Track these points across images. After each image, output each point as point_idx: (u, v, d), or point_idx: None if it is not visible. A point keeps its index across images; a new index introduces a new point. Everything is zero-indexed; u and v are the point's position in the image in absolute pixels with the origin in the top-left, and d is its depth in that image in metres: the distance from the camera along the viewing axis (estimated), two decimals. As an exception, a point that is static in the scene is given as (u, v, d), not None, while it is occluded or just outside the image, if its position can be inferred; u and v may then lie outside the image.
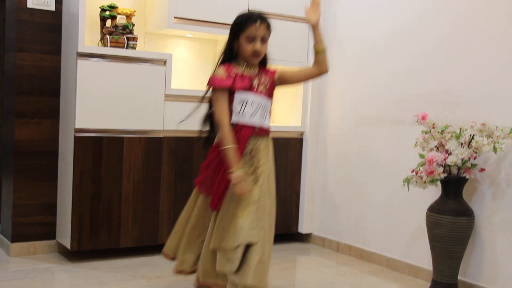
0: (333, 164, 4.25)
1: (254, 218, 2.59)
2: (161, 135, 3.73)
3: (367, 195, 3.96)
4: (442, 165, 3.12)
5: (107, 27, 3.71)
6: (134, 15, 3.83)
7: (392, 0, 3.82)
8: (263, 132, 2.68)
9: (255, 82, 2.66)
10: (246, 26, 2.59)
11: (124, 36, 3.68)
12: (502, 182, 3.13)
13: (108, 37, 3.65)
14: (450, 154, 3.13)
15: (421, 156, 3.22)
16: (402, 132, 3.71)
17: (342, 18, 4.20)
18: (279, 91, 4.56)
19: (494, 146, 3.00)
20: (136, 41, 3.73)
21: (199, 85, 4.28)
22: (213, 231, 2.67)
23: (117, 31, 3.69)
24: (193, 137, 3.81)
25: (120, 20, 3.74)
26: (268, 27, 2.65)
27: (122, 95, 3.59)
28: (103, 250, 3.67)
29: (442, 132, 3.21)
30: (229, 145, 2.56)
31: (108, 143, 3.57)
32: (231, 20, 3.88)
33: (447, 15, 3.46)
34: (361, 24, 4.05)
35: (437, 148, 3.21)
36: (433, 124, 3.25)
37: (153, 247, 3.79)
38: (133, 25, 3.77)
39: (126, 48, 3.67)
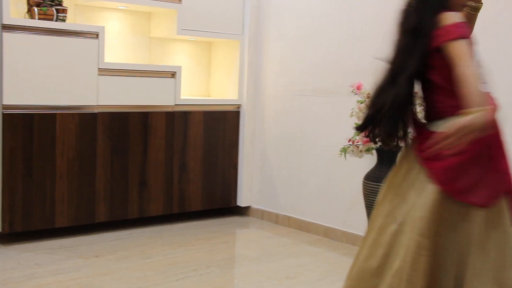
0: (271, 136, 4.27)
1: None
2: (95, 110, 3.63)
3: (305, 167, 4.00)
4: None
5: (34, -2, 3.55)
6: (63, -14, 3.68)
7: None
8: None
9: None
10: None
11: (53, 8, 3.53)
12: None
13: (35, 8, 3.50)
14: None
15: (357, 125, 3.25)
16: (338, 102, 3.75)
17: (277, -10, 4.19)
18: (216, 63, 4.54)
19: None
20: (66, 13, 3.59)
21: (134, 59, 4.19)
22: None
23: (45, 2, 3.54)
24: (128, 112, 3.74)
25: (48, -9, 3.59)
26: None
27: (53, 70, 3.46)
28: (37, 231, 3.55)
29: None
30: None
31: (39, 119, 3.44)
32: (165, -8, 3.88)
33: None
34: (297, 5, 4.06)
35: (372, 118, 3.25)
36: (368, 93, 3.28)
37: (90, 226, 3.72)
38: (62, -4, 3.63)
39: (56, 20, 3.53)
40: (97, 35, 3.60)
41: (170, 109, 3.95)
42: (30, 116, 3.41)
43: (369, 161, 3.40)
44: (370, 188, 3.21)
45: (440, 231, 1.83)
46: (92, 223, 3.68)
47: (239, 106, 4.31)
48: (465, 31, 1.81)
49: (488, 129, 1.71)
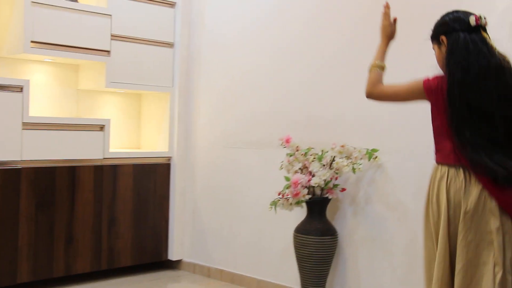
0: (202, 189, 4.23)
1: None
2: (19, 166, 3.51)
3: (237, 219, 3.97)
4: (306, 187, 3.21)
5: (-45, 51, 3.44)
6: (-14, 39, 3.60)
7: (259, 27, 3.90)
8: None
9: None
10: None
11: (-25, 61, 3.44)
12: (361, 200, 3.28)
13: (-44, 61, 3.39)
14: (313, 175, 3.23)
15: (287, 178, 3.30)
16: (268, 155, 3.75)
17: (207, 42, 4.23)
18: (146, 115, 4.51)
19: (353, 167, 3.15)
20: None
21: (61, 112, 4.11)
22: None
23: (-33, 55, 3.44)
24: (54, 166, 3.64)
25: (-30, 43, 3.50)
26: (431, 39, 2.30)
27: (-26, 124, 3.34)
28: (-47, 293, 3.36)
29: (305, 154, 3.31)
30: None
31: (-42, 176, 3.29)
32: (92, 45, 3.84)
33: (313, 44, 3.60)
34: (226, 46, 4.09)
35: (301, 170, 3.30)
36: (297, 146, 3.34)
37: None
38: (-15, 49, 3.54)
39: (-23, 73, 3.43)
40: (22, 88, 3.51)
41: (98, 163, 3.87)
42: None
43: (300, 212, 3.42)
44: (300, 240, 3.23)
45: None
46: (14, 284, 3.50)
47: (169, 158, 4.27)
48: None
49: None
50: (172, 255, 4.25)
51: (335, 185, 3.26)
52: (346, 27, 3.41)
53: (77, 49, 3.80)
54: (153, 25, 4.18)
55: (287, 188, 3.24)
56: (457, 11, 2.23)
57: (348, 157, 3.21)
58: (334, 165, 3.20)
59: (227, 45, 4.10)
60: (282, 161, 3.37)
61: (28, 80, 3.57)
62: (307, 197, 3.19)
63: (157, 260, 4.21)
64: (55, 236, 3.66)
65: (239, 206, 3.96)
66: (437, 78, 2.19)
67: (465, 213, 2.06)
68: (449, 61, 2.14)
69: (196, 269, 4.22)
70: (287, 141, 3.37)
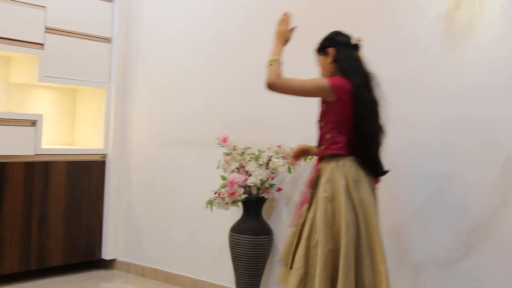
0: (138, 187, 4.17)
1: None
2: None
3: (173, 218, 3.93)
4: (243, 186, 3.21)
5: None
6: None
7: (199, 25, 3.87)
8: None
9: None
10: None
11: None
12: (297, 200, 3.28)
13: None
14: (250, 175, 3.23)
15: (223, 178, 3.29)
16: (205, 154, 3.74)
17: (146, 39, 4.17)
18: (81, 111, 4.40)
19: (288, 167, 3.17)
20: None
21: (-9, 106, 3.96)
22: None
23: None
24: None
25: None
26: (317, 52, 2.58)
27: None
28: None
29: (242, 153, 3.31)
30: None
31: None
32: (24, 37, 3.72)
33: (250, 45, 3.60)
34: (164, 42, 4.05)
35: (238, 170, 3.29)
36: (234, 146, 3.33)
37: None
38: None
39: None
40: None
41: (29, 159, 3.74)
42: None
43: (236, 212, 3.43)
44: (235, 240, 3.22)
45: None
46: None
47: (104, 155, 4.17)
48: None
49: None
50: (106, 254, 4.16)
51: (271, 185, 3.27)
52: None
53: (8, 41, 3.67)
54: (90, 19, 4.08)
55: (223, 187, 3.23)
56: (341, 31, 2.55)
57: (284, 157, 3.23)
58: (271, 165, 3.21)
59: (166, 42, 4.05)
60: (219, 160, 3.36)
61: (-45, 72, 3.42)
62: (243, 196, 3.19)
63: (90, 259, 4.11)
64: None
65: (175, 205, 3.93)
66: (339, 78, 2.42)
67: (361, 198, 2.36)
68: (345, 68, 2.44)
69: (130, 268, 4.15)
70: (224, 140, 3.34)
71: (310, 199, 2.46)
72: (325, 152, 2.45)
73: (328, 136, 2.45)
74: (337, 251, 2.30)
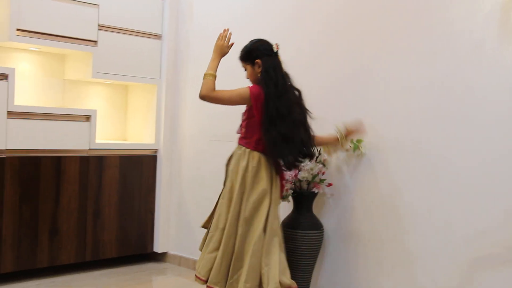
0: (188, 181, 4.23)
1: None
2: (3, 155, 3.47)
3: None
4: (292, 182, 3.22)
5: None
6: (-29, 26, 3.56)
7: (248, 19, 3.89)
8: (239, 142, 3.00)
9: None
10: None
11: (-40, 48, 3.40)
12: (347, 195, 3.30)
13: None
14: (300, 170, 3.23)
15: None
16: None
17: (196, 35, 4.21)
18: (132, 107, 4.49)
19: (355, 144, 3.15)
20: None
21: (47, 102, 4.08)
22: None
23: (-49, 42, 3.40)
24: (40, 156, 3.61)
25: (-45, 30, 3.46)
26: (241, 58, 3.01)
27: (-42, 113, 3.30)
28: None
29: None
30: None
31: None
32: (79, 34, 3.82)
33: (302, 28, 3.60)
34: (214, 38, 4.06)
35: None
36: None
37: (-5, 277, 3.53)
38: (-30, 36, 3.50)
39: (-38, 61, 3.39)
40: (7, 76, 3.48)
41: (84, 154, 3.84)
42: None
43: (287, 206, 3.42)
44: (287, 234, 3.21)
45: None
46: (-2, 274, 3.48)
47: (156, 150, 4.26)
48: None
49: None
50: (158, 247, 4.24)
51: (322, 180, 3.27)
52: (331, 21, 3.42)
53: (63, 39, 3.77)
54: (141, 16, 4.16)
55: None
56: (262, 40, 2.99)
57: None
58: (321, 158, 3.21)
59: (215, 38, 4.05)
60: None
61: (14, 69, 3.53)
62: (290, 191, 3.21)
63: (142, 252, 4.20)
64: (39, 227, 3.64)
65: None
66: (258, 87, 2.87)
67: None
68: (265, 78, 2.87)
69: (181, 261, 4.22)
70: None
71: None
72: (239, 141, 2.97)
73: (243, 130, 2.95)
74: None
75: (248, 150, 2.92)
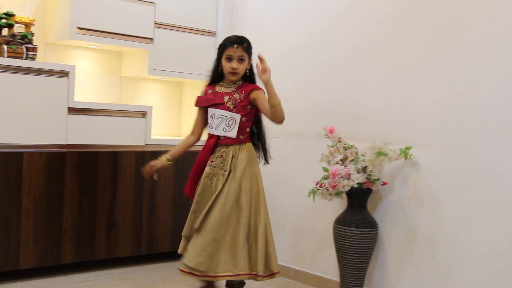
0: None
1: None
2: (64, 150, 3.60)
3: (276, 209, 3.93)
4: (347, 178, 3.21)
5: (4, 36, 3.53)
6: (34, 24, 3.68)
7: (299, 12, 3.89)
8: (229, 141, 3.02)
9: (226, 99, 3.00)
10: (226, 47, 3.00)
11: (23, 46, 3.52)
12: (401, 194, 3.27)
13: (4, 46, 3.48)
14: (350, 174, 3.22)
15: (325, 169, 3.29)
16: (308, 146, 3.76)
17: (249, 32, 4.23)
18: (187, 103, 4.56)
19: (379, 152, 3.13)
20: (36, 51, 3.59)
21: (104, 98, 4.19)
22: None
23: (15, 40, 3.53)
24: (97, 151, 3.72)
25: (18, 29, 3.58)
26: (245, 49, 3.01)
27: (21, 109, 3.42)
28: (0, 273, 3.44)
29: (345, 149, 3.32)
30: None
31: (5, 158, 3.38)
32: (135, 32, 3.91)
33: (354, 26, 3.57)
34: (267, 35, 4.09)
35: (342, 162, 3.29)
36: (339, 138, 3.34)
37: (56, 268, 3.63)
38: (33, 34, 3.62)
39: (25, 58, 3.52)
40: (67, 74, 3.58)
41: (140, 149, 3.93)
42: (-3, 155, 3.36)
43: (340, 203, 3.44)
44: (340, 232, 3.24)
45: None
46: (58, 264, 3.60)
47: (209, 146, 4.31)
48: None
49: None
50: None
51: (374, 180, 3.22)
52: (394, 16, 3.39)
53: (121, 36, 3.87)
54: (196, 14, 4.22)
55: (325, 178, 3.24)
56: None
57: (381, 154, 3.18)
58: (367, 164, 3.18)
59: (269, 35, 4.08)
60: (323, 153, 3.36)
61: (74, 66, 3.63)
62: (347, 188, 3.18)
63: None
64: (97, 220, 3.75)
65: (277, 196, 3.97)
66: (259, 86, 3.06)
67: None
68: (254, 79, 3.09)
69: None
70: (331, 131, 3.36)
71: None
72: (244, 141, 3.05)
73: (247, 129, 3.05)
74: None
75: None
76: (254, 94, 3.03)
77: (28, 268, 3.51)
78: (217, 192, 2.96)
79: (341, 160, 3.30)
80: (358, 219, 3.22)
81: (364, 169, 3.20)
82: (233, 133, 3.01)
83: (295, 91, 3.88)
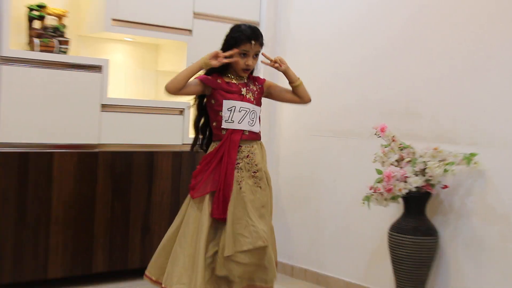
0: (286, 179, 4.18)
1: (267, 220, 2.94)
2: (96, 150, 3.57)
3: (323, 215, 3.91)
4: (403, 181, 3.08)
5: (35, 29, 3.54)
6: (66, 16, 3.68)
7: (352, 3, 3.81)
8: (253, 136, 2.94)
9: (244, 90, 2.92)
10: (242, 42, 2.86)
11: (55, 39, 3.53)
12: (465, 198, 3.14)
13: (36, 40, 3.48)
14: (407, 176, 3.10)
15: (379, 171, 3.20)
16: (358, 145, 3.69)
17: (295, 23, 4.16)
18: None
19: (445, 168, 3.01)
20: (68, 44, 3.58)
21: (139, 94, 4.16)
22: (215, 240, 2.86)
23: (47, 33, 3.54)
24: (132, 151, 3.68)
25: (50, 21, 3.58)
26: (261, 44, 2.92)
27: (52, 105, 3.42)
28: (28, 282, 3.43)
29: (401, 149, 3.21)
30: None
31: (35, 159, 3.37)
32: (173, 23, 3.85)
33: (405, 12, 3.47)
34: (314, 24, 4.03)
35: (398, 163, 3.18)
36: (393, 136, 3.23)
37: (87, 277, 3.61)
38: (65, 27, 3.63)
39: (57, 52, 3.52)
40: (101, 68, 3.57)
41: (177, 149, 3.88)
42: (25, 155, 3.35)
43: (395, 209, 3.32)
44: (396, 240, 3.13)
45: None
46: (89, 273, 3.57)
47: (252, 146, 4.22)
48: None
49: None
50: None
51: (433, 184, 3.09)
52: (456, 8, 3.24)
53: (158, 28, 3.83)
54: (238, 3, 4.16)
55: (379, 182, 3.14)
56: None
57: (442, 161, 3.09)
58: (428, 171, 3.05)
59: (317, 26, 4.02)
60: (376, 153, 3.26)
61: (108, 60, 3.62)
62: (404, 191, 3.06)
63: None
64: (130, 225, 3.71)
65: (325, 201, 3.90)
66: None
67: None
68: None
69: (278, 267, 4.13)
70: (382, 130, 3.25)
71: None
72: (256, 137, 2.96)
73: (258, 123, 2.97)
74: None
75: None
76: (267, 83, 3.03)
77: (57, 278, 3.49)
78: (252, 202, 2.88)
79: (396, 161, 3.20)
80: (415, 225, 3.11)
81: (422, 171, 3.07)
82: (256, 127, 2.94)
83: (342, 83, 3.83)
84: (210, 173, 2.87)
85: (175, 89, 2.87)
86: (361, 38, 3.72)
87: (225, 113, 2.88)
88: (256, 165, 2.90)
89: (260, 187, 2.91)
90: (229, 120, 2.88)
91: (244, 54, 2.88)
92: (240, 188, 2.86)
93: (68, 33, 3.68)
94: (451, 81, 3.23)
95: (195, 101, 3.03)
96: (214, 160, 2.87)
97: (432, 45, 3.32)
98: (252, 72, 3.02)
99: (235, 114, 2.87)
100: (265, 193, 2.93)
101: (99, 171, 3.58)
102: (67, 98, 3.46)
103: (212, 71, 2.93)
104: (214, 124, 2.93)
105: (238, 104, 2.88)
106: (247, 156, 2.90)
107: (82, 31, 3.84)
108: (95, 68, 3.55)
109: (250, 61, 2.89)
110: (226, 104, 2.88)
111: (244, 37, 2.85)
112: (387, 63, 3.56)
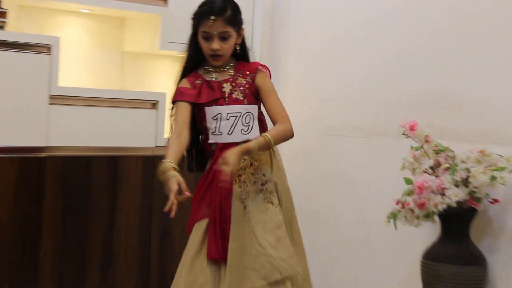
0: (291, 189, 4.15)
1: (287, 243, 2.85)
2: (43, 154, 3.57)
3: (339, 232, 3.99)
4: (440, 194, 3.07)
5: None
6: (2, -20, 3.71)
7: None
8: None
9: (227, 88, 2.86)
10: (201, 22, 2.81)
11: (-14, 11, 3.55)
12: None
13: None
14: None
15: (407, 181, 3.21)
16: (380, 146, 3.76)
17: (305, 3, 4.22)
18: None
19: (492, 175, 3.01)
20: (5, 17, 3.58)
21: (100, 82, 4.20)
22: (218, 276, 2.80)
23: (-25, 3, 3.58)
24: (90, 156, 3.74)
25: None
26: (229, 21, 2.81)
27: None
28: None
29: (437, 153, 3.21)
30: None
31: (-38, 166, 3.39)
32: (143, -9, 3.88)
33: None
34: (324, 8, 4.14)
35: (433, 170, 3.19)
36: (426, 136, 3.23)
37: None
38: (0, -6, 3.65)
39: (-9, 28, 3.54)
40: (49, 48, 3.60)
41: (149, 152, 3.92)
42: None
43: (430, 229, 3.34)
44: (432, 270, 3.14)
45: None
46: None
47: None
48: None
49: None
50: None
51: (479, 198, 3.08)
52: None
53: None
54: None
55: (408, 194, 3.14)
56: None
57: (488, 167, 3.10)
58: (472, 180, 3.03)
59: (331, 12, 4.14)
60: (404, 158, 3.24)
61: (58, 38, 3.64)
62: (441, 207, 3.05)
63: None
64: (88, 253, 3.74)
65: (342, 214, 3.97)
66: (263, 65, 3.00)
67: None
68: (247, 56, 3.01)
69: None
70: (412, 128, 3.24)
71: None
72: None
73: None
74: None
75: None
76: (258, 79, 2.92)
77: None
78: (263, 224, 2.82)
79: (431, 167, 3.21)
80: (456, 252, 3.12)
81: (465, 181, 3.05)
82: (255, 133, 2.86)
83: (366, 75, 3.89)
84: (201, 197, 2.86)
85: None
86: (390, 25, 3.82)
87: (210, 124, 2.84)
88: (263, 175, 2.85)
89: (271, 203, 2.85)
90: (217, 132, 2.83)
91: (207, 38, 2.80)
92: (245, 207, 2.80)
93: (5, 2, 3.65)
94: (498, 71, 3.25)
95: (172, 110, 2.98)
96: (206, 183, 2.85)
97: (471, 30, 3.39)
98: (243, 57, 2.97)
99: (222, 124, 2.81)
100: (280, 210, 2.87)
101: (47, 181, 3.59)
102: (4, 88, 3.44)
103: (190, 69, 2.93)
104: (202, 137, 2.92)
105: (224, 109, 2.82)
106: (251, 165, 2.84)
107: (25, 0, 3.85)
108: (42, 48, 3.56)
109: (215, 45, 2.79)
110: (209, 112, 2.84)
111: (202, 14, 2.79)
112: (419, 51, 3.62)
